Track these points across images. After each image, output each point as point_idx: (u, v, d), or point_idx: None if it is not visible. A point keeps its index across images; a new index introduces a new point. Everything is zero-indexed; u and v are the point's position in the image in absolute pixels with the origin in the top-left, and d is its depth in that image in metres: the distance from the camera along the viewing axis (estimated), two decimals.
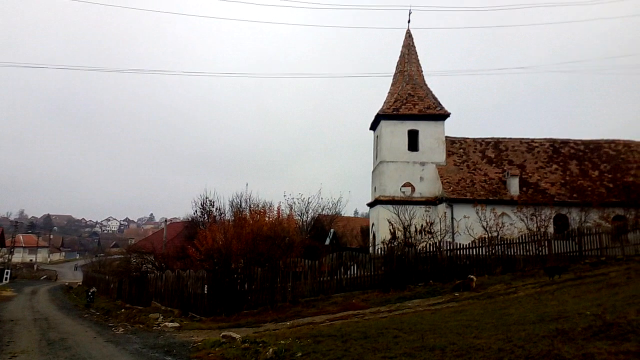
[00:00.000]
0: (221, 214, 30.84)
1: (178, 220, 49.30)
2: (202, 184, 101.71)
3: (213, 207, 31.08)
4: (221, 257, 19.93)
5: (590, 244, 20.63)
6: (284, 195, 34.90)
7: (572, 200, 25.84)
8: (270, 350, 8.85)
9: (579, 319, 6.96)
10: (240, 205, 30.94)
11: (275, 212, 26.74)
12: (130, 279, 30.11)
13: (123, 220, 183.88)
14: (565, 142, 30.15)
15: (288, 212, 29.92)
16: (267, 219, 24.42)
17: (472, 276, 16.93)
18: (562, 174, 28.25)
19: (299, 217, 31.82)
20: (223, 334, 11.49)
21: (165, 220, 42.45)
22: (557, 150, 29.64)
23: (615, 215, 24.21)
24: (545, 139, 30.43)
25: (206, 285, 18.89)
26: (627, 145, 29.88)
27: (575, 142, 30.18)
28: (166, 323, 16.99)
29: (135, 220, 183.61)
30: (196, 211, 32.19)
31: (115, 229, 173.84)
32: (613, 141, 30.18)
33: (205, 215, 31.14)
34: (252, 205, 29.30)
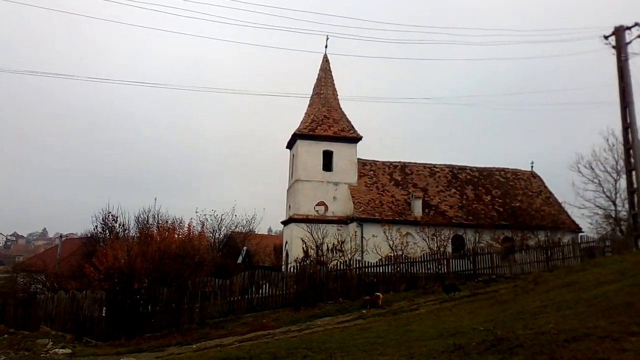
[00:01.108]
0: (125, 230, 29.03)
1: (75, 237, 45.42)
2: (105, 198, 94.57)
3: (116, 222, 29.15)
4: (123, 276, 18.69)
5: (483, 262, 22.51)
6: (196, 212, 33.76)
7: (467, 222, 28.08)
8: None
9: (473, 334, 7.54)
10: (147, 221, 29.42)
11: (185, 229, 25.78)
12: (16, 301, 27.09)
13: (10, 235, 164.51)
14: (462, 169, 32.82)
15: (200, 229, 28.99)
16: (176, 236, 23.42)
17: (378, 294, 17.60)
18: (460, 197, 30.65)
19: (211, 235, 30.97)
20: None
21: (61, 236, 38.97)
22: (456, 176, 32.15)
23: (504, 237, 26.73)
24: (445, 164, 32.90)
25: (104, 307, 17.59)
26: (515, 173, 33.29)
27: (471, 169, 32.99)
28: (56, 349, 15.51)
29: (25, 236, 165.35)
30: (96, 227, 29.94)
31: (1, 245, 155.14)
32: (503, 169, 33.45)
33: (107, 231, 29.09)
34: (160, 222, 27.98)
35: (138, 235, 26.97)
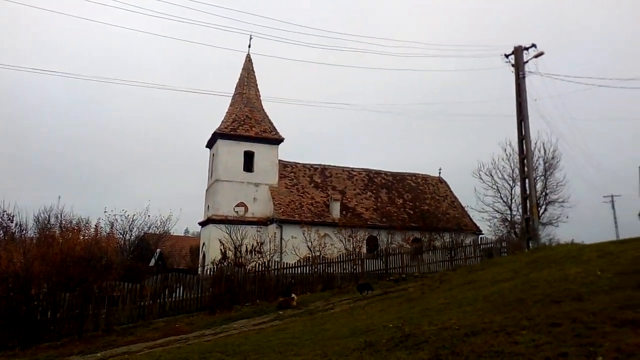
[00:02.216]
0: (23, 230, 26.46)
1: None
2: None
3: (12, 222, 26.45)
4: (18, 280, 17.05)
5: (394, 262, 23.60)
6: (105, 212, 31.65)
7: (381, 224, 29.29)
8: None
9: (383, 331, 7.91)
10: (49, 221, 27.08)
11: (92, 230, 24.12)
12: None
13: None
14: (378, 173, 34.19)
15: (108, 230, 27.27)
16: (81, 238, 21.86)
17: (293, 295, 17.79)
18: (375, 200, 31.90)
19: (122, 236, 29.21)
20: None
21: None
22: (372, 180, 33.41)
23: (414, 238, 28.25)
24: (362, 169, 34.07)
25: None
26: (425, 178, 35.35)
27: (386, 173, 34.49)
28: None
29: None
30: None
31: None
32: (414, 174, 35.36)
33: (1, 231, 26.33)
34: (64, 222, 25.91)
35: (37, 236, 24.74)
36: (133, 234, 30.32)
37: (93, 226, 24.84)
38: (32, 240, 23.39)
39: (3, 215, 26.44)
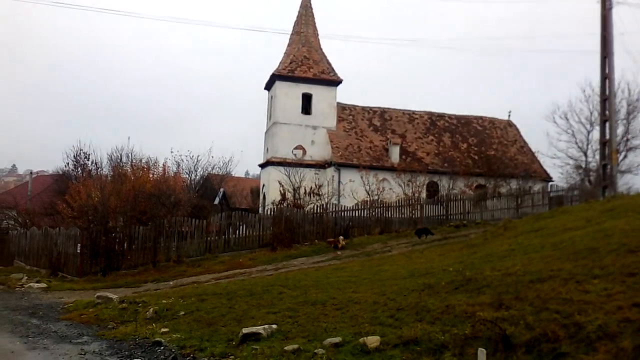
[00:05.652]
0: (98, 168, 28.40)
1: (46, 174, 44.36)
2: (76, 135, 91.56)
3: (88, 160, 28.41)
4: (97, 214, 18.51)
5: (455, 208, 23.09)
6: (172, 152, 33.07)
7: (443, 169, 28.48)
8: (151, 309, 8.59)
9: (443, 274, 7.82)
10: (121, 159, 28.77)
11: (160, 169, 25.39)
12: None
13: None
14: (441, 116, 32.82)
15: (175, 169, 28.60)
16: (151, 176, 23.11)
17: (340, 237, 18.28)
18: (437, 144, 30.89)
19: (187, 176, 30.60)
20: (98, 294, 10.84)
21: (31, 173, 38.02)
22: (434, 123, 32.20)
23: (478, 184, 27.33)
24: (424, 111, 32.81)
25: (79, 244, 17.49)
26: (492, 122, 33.54)
27: (450, 116, 33.03)
28: (31, 284, 15.50)
29: None
30: (68, 164, 29.16)
31: None
32: (480, 117, 33.62)
33: (79, 168, 28.41)
34: (134, 161, 27.41)
35: (111, 173, 26.46)
36: (198, 174, 31.66)
37: (161, 165, 26.09)
38: (107, 177, 25.09)
39: (80, 153, 28.48)
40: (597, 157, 18.64)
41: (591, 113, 27.14)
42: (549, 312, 4.85)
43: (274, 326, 6.36)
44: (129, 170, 24.43)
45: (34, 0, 53.04)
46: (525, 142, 32.72)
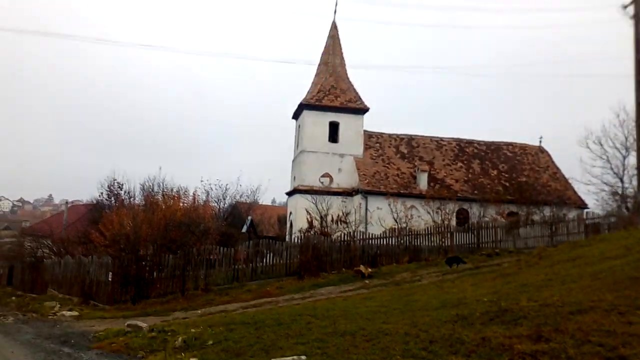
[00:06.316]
0: (130, 197, 29.18)
1: (81, 203, 45.75)
2: (110, 165, 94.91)
3: (122, 189, 29.29)
4: (129, 242, 18.89)
5: (487, 236, 22.51)
6: (201, 181, 33.80)
7: (473, 196, 27.95)
8: (180, 339, 8.57)
9: (477, 305, 7.55)
10: (153, 189, 29.51)
11: (190, 198, 25.86)
12: (24, 265, 27.55)
13: (17, 201, 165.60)
14: (470, 142, 32.47)
15: (204, 198, 29.09)
16: (181, 205, 23.55)
17: (362, 266, 18.18)
18: (466, 171, 30.45)
19: (216, 204, 31.07)
20: (128, 322, 10.92)
21: (67, 202, 39.28)
22: (463, 150, 31.85)
23: (509, 212, 26.63)
24: (452, 138, 32.53)
25: (110, 272, 17.81)
26: (523, 148, 32.91)
27: (479, 142, 32.63)
28: (64, 312, 15.80)
29: (32, 201, 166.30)
30: (102, 194, 30.10)
31: (7, 210, 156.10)
32: (511, 144, 33.07)
33: (113, 198, 29.24)
34: (165, 190, 28.06)
35: (143, 202, 27.10)
36: (226, 202, 32.10)
37: (191, 194, 26.58)
38: (139, 206, 25.68)
39: (114, 183, 29.36)
40: (635, 183, 17.92)
41: (626, 138, 26.30)
42: (591, 344, 4.61)
43: (303, 357, 6.22)
44: (160, 199, 24.98)
45: (78, 39, 55.84)
46: (558, 168, 31.91)
